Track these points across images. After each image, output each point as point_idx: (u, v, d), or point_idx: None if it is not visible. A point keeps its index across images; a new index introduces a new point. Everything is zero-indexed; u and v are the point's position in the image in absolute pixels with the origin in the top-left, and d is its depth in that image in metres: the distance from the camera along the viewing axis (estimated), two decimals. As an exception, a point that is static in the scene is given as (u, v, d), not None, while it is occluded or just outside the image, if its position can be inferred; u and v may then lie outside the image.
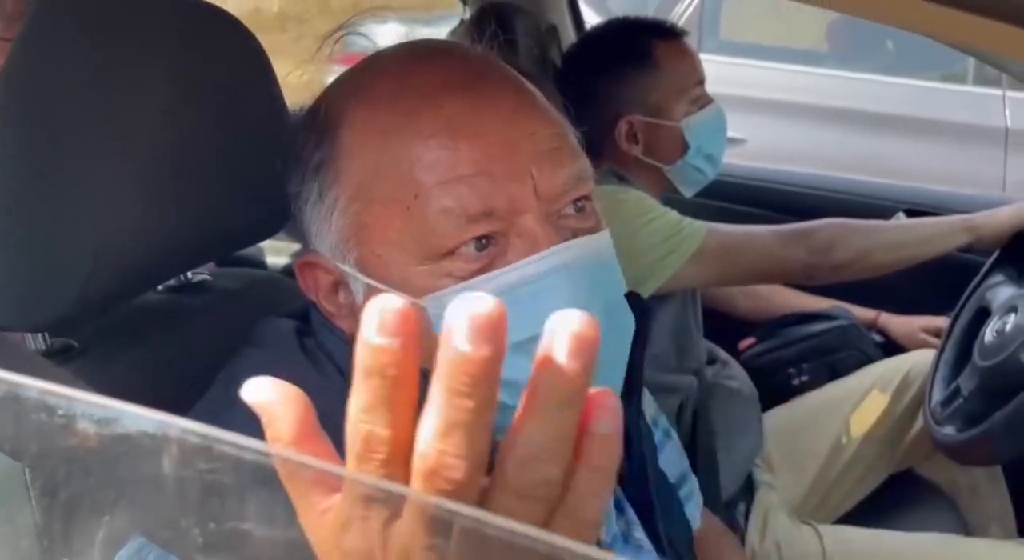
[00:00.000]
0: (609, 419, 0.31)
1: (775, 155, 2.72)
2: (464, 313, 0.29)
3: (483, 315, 0.29)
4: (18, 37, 0.67)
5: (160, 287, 0.89)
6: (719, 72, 2.81)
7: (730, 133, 2.78)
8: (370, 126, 0.66)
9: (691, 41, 2.85)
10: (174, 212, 0.76)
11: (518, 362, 0.62)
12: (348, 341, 0.69)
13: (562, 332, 0.30)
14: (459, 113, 0.64)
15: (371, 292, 0.66)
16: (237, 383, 0.68)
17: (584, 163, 0.68)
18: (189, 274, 0.91)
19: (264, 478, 0.27)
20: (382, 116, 0.66)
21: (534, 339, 0.61)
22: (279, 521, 0.27)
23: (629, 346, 0.69)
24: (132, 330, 0.81)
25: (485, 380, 0.29)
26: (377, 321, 0.29)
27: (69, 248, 0.67)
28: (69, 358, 0.75)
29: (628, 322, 0.69)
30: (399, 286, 0.65)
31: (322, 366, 0.68)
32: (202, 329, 0.85)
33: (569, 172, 0.66)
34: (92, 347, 0.77)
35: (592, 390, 0.30)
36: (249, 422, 0.64)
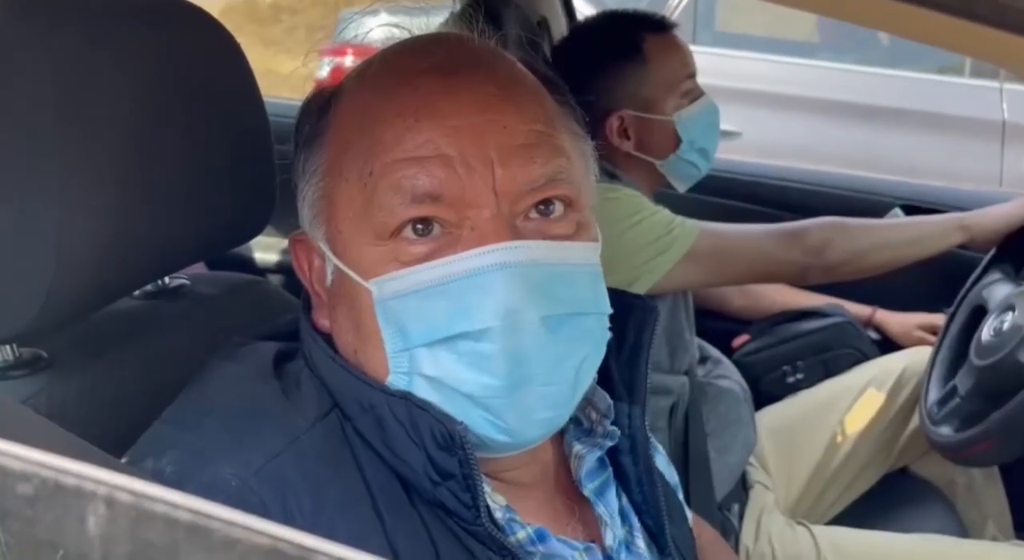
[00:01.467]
0: None
1: (770, 149, 2.69)
2: None
3: None
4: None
5: (136, 292, 0.87)
6: (715, 64, 2.78)
7: (725, 126, 2.74)
8: (354, 105, 0.66)
9: (685, 33, 2.80)
10: (146, 215, 0.73)
11: (444, 357, 0.62)
12: (332, 356, 0.67)
13: None
14: (433, 95, 0.63)
15: (337, 272, 0.66)
16: (209, 396, 0.67)
17: (567, 164, 0.65)
18: (167, 279, 0.89)
19: (199, 538, 0.25)
20: (365, 95, 0.66)
21: (464, 336, 0.61)
22: (216, 585, 0.24)
23: (584, 365, 0.66)
24: (105, 338, 0.78)
25: None
26: None
27: (30, 256, 0.65)
28: (39, 369, 0.73)
29: (578, 344, 0.65)
30: (354, 266, 0.64)
31: (298, 393, 0.65)
32: (177, 336, 0.82)
33: (541, 171, 0.63)
34: (63, 357, 0.75)
35: None
36: (219, 435, 0.62)
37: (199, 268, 1.23)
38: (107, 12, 0.73)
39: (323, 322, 0.69)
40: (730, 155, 2.33)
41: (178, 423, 0.66)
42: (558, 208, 0.65)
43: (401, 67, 0.66)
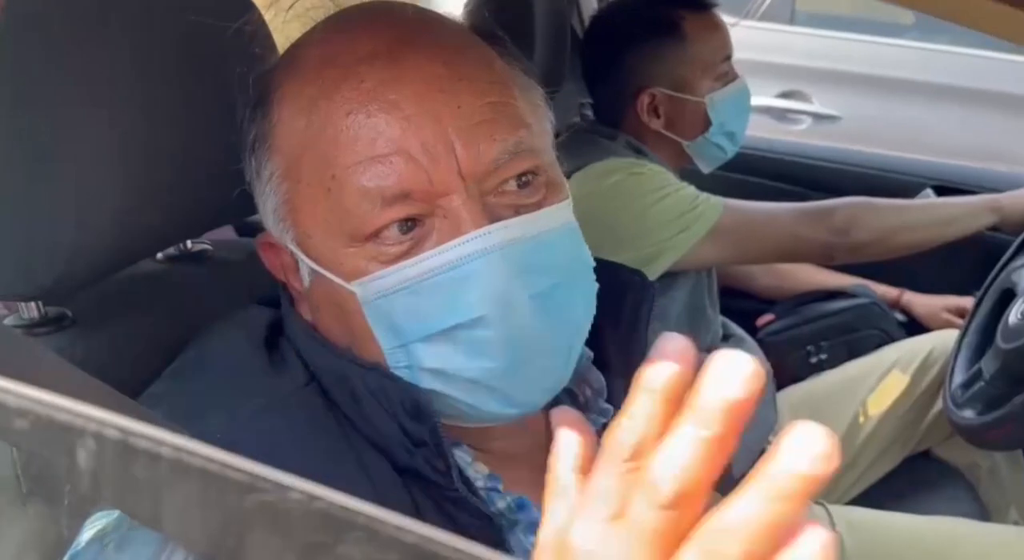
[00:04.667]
0: None
1: (872, 136, 2.43)
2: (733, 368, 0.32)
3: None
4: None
5: (160, 255, 0.88)
6: (815, 46, 2.55)
7: (823, 109, 2.62)
8: (296, 100, 0.63)
9: (783, 14, 2.62)
10: (167, 179, 0.74)
11: (442, 348, 0.62)
12: (306, 330, 0.68)
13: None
14: (379, 86, 0.60)
15: (314, 275, 0.65)
16: (200, 356, 0.69)
17: (527, 134, 0.63)
18: (189, 243, 0.90)
19: (183, 473, 0.26)
20: (307, 89, 0.63)
21: (460, 327, 0.61)
22: (195, 519, 0.25)
23: (579, 328, 0.66)
24: (127, 299, 0.80)
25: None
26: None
27: (52, 216, 0.66)
28: (63, 327, 0.75)
29: (570, 309, 0.65)
30: (332, 269, 0.63)
31: (283, 364, 0.67)
32: (196, 300, 0.84)
33: (502, 147, 0.61)
34: (86, 316, 0.76)
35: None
36: (207, 392, 0.64)
37: (227, 232, 1.24)
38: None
39: (307, 315, 0.69)
40: (827, 142, 2.20)
41: (171, 380, 0.69)
42: (533, 179, 0.64)
43: (339, 56, 0.62)
